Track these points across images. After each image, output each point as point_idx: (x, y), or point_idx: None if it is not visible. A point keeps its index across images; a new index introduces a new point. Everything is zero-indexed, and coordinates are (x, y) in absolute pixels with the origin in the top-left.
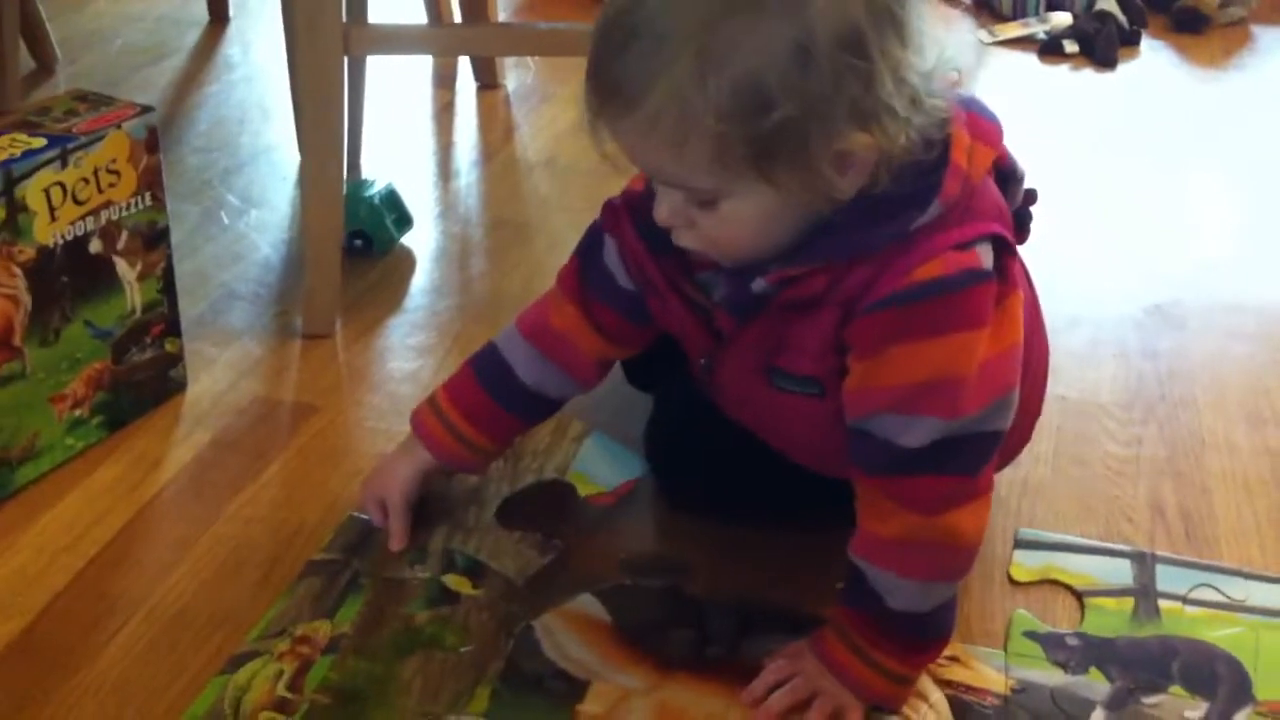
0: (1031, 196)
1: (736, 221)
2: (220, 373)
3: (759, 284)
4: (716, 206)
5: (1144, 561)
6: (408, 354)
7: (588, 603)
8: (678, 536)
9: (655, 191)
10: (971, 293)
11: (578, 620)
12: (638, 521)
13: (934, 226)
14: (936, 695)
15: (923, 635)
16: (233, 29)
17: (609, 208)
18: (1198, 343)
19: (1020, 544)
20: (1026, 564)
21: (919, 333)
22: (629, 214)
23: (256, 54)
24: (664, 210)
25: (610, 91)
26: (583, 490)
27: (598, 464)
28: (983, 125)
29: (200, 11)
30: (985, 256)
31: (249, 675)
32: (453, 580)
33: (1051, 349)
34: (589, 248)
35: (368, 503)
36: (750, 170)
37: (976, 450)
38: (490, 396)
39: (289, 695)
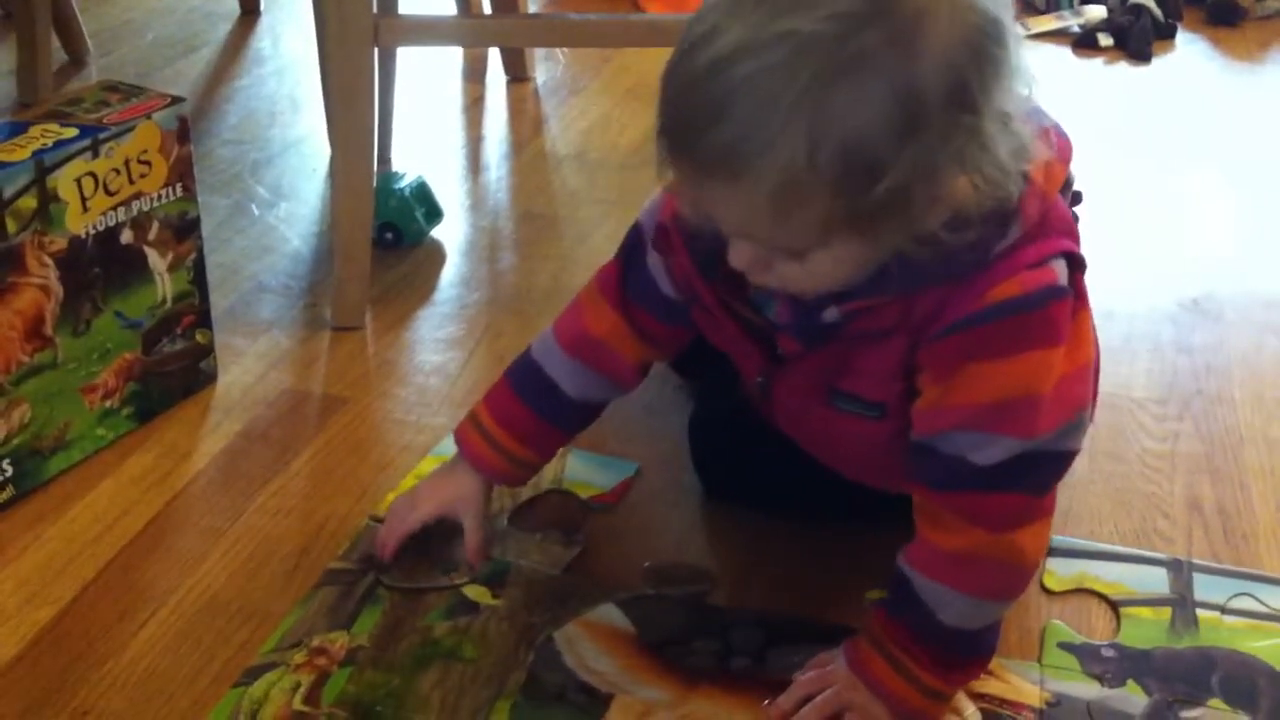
0: (1078, 198)
1: (823, 270)
2: (250, 364)
3: (831, 313)
4: (804, 258)
5: (1180, 570)
6: (437, 346)
7: (610, 613)
8: (700, 544)
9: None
10: (1049, 310)
11: (600, 631)
12: (658, 527)
13: (1013, 247)
14: (971, 710)
15: (966, 653)
16: (264, 22)
17: (661, 230)
18: (1234, 337)
19: (1054, 552)
20: (1060, 573)
21: (997, 351)
22: (680, 235)
23: (287, 46)
24: (744, 258)
25: (708, 162)
26: (583, 494)
27: (588, 472)
28: (1057, 141)
29: (231, 4)
30: (1061, 272)
31: (265, 687)
32: (473, 591)
33: None
34: (631, 251)
35: (410, 521)
36: (851, 230)
37: (1049, 470)
38: (538, 415)
39: (305, 709)
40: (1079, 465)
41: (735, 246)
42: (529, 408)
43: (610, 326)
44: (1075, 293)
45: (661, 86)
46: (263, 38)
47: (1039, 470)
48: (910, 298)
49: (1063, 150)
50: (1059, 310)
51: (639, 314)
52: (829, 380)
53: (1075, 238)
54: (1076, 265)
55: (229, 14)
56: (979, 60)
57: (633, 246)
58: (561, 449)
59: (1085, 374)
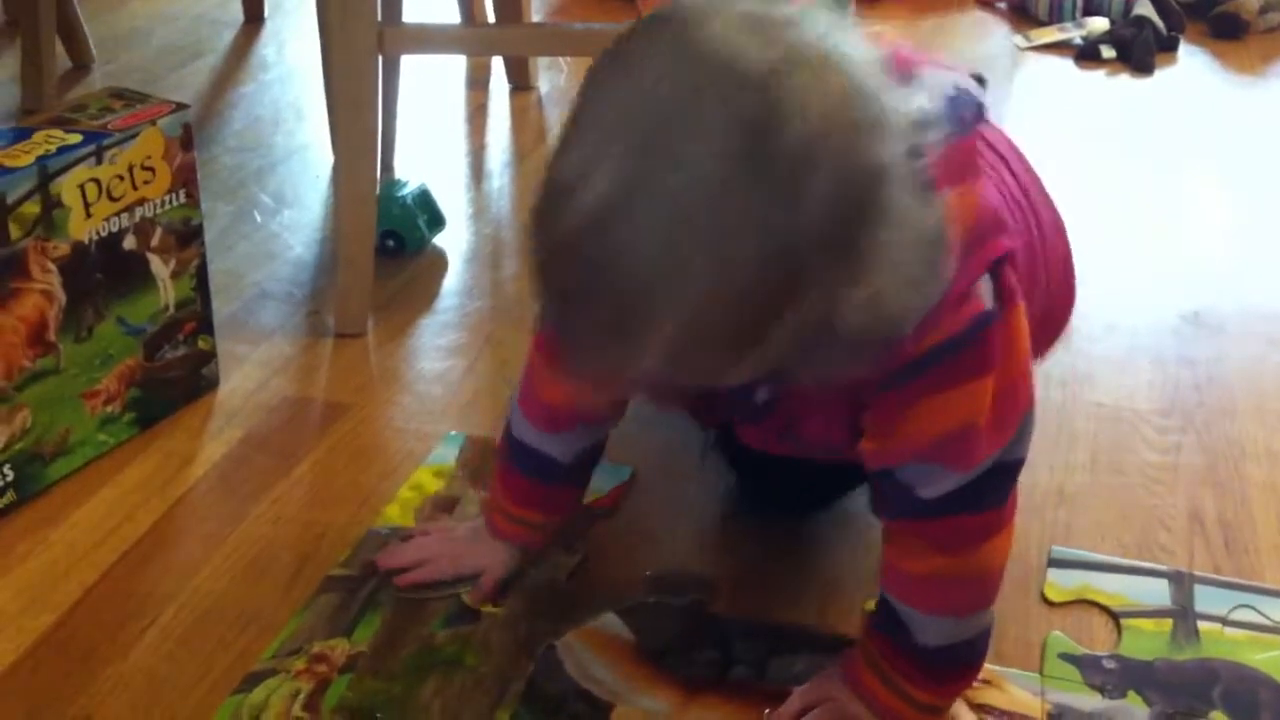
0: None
1: (737, 380)
2: (252, 371)
3: (762, 394)
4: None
5: (1181, 581)
6: (439, 354)
7: (611, 622)
8: (701, 552)
9: None
10: (979, 341)
11: (601, 640)
12: (659, 535)
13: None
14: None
15: (954, 665)
16: (268, 29)
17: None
18: (1236, 349)
19: (1054, 563)
20: (1061, 584)
21: (932, 390)
22: None
23: (291, 54)
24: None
25: (595, 327)
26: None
27: None
28: (958, 151)
29: (235, 12)
30: (986, 295)
31: (265, 694)
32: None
33: (1088, 356)
34: None
35: (440, 574)
36: (754, 367)
37: (998, 485)
38: (552, 486)
39: (305, 715)
40: (1080, 477)
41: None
42: (541, 484)
43: (566, 393)
44: (1001, 298)
45: (533, 236)
46: (267, 44)
47: (988, 489)
48: None
49: (966, 152)
50: (988, 336)
51: None
52: (785, 430)
53: (998, 225)
54: (1003, 261)
55: (233, 21)
56: (863, 210)
57: None
58: None
59: (1023, 378)
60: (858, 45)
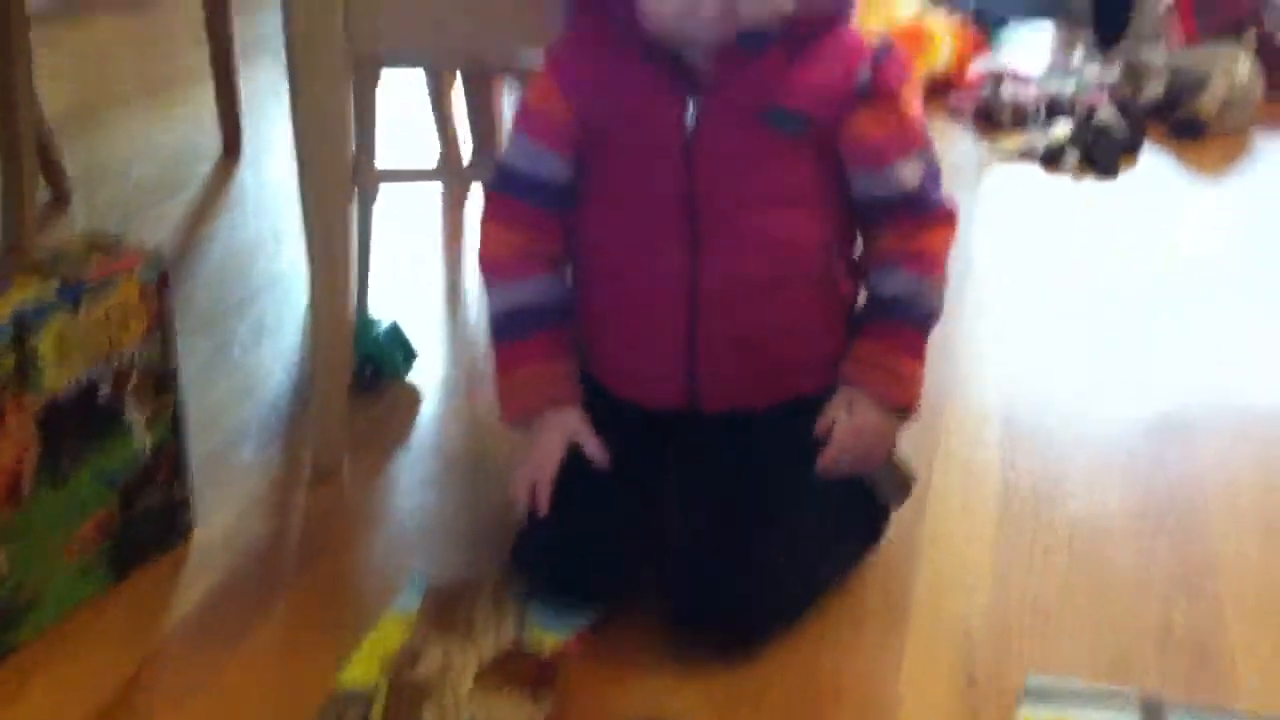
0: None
1: None
2: (228, 513)
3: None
4: None
5: (1157, 713)
6: (415, 489)
7: None
8: (675, 689)
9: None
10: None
11: None
12: (628, 677)
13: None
14: None
15: (931, 317)
16: (246, 158)
17: (551, 58)
18: (1207, 452)
19: (1030, 694)
20: (1037, 717)
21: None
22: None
23: (270, 180)
24: (711, 5)
25: None
26: (547, 644)
27: (548, 616)
28: None
29: (213, 143)
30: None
31: None
32: None
33: (1059, 464)
34: (504, 175)
35: (551, 466)
36: None
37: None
38: (545, 329)
39: None
40: (1053, 593)
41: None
42: (531, 337)
43: (509, 241)
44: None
45: None
46: (245, 174)
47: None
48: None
49: None
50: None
51: (525, 211)
52: (764, 97)
53: None
54: None
55: (211, 153)
56: None
57: (503, 170)
58: (520, 587)
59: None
60: None
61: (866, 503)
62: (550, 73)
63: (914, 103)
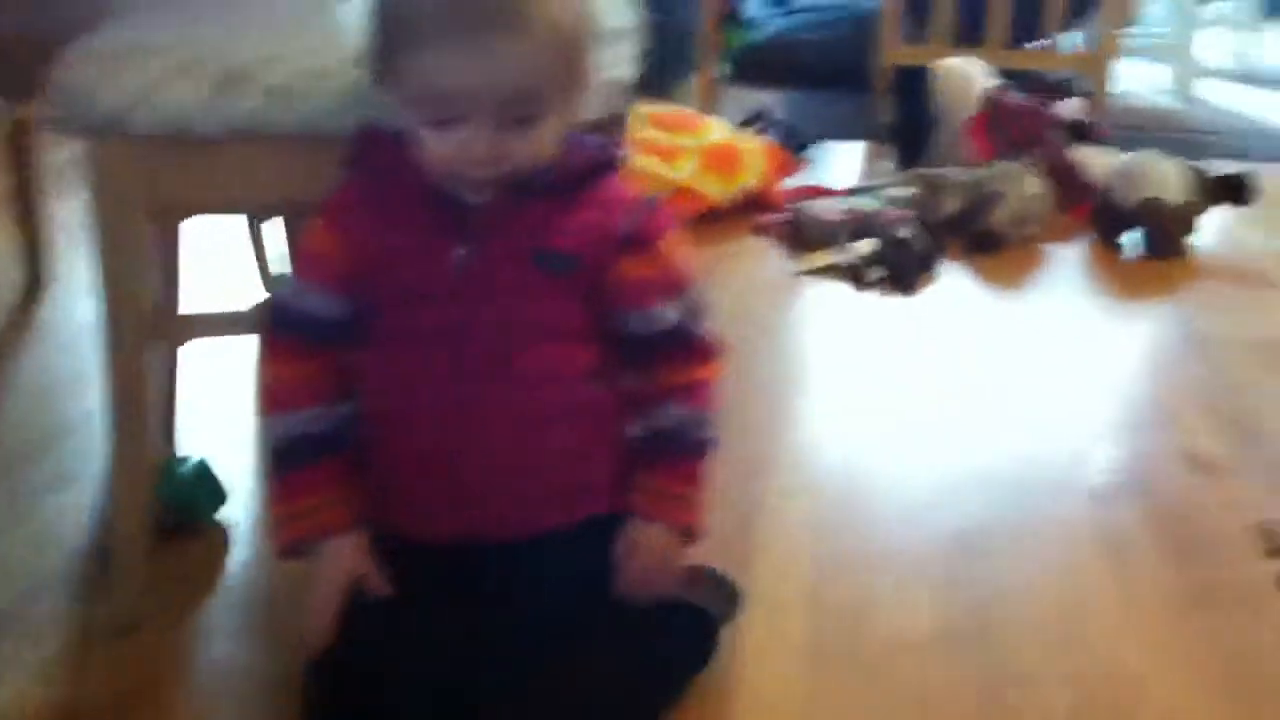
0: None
1: (543, 139)
2: (20, 677)
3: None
4: (534, 126)
5: None
6: (226, 637)
7: None
8: None
9: (459, 136)
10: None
11: None
12: None
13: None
14: None
15: (705, 446)
16: (51, 293)
17: (326, 205)
18: (1009, 569)
19: None
20: None
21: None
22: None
23: (77, 316)
24: (482, 147)
25: (490, 16)
26: None
27: None
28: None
29: (15, 277)
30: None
31: None
32: None
33: (867, 586)
34: (278, 313)
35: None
36: (568, 96)
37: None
38: (321, 463)
39: None
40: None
41: (471, 139)
42: (310, 467)
43: (287, 373)
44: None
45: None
46: (52, 310)
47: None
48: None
49: None
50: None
51: (300, 346)
52: (536, 239)
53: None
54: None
55: (14, 287)
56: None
57: (280, 309)
58: None
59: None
60: None
61: (693, 621)
62: (325, 219)
63: (677, 250)
